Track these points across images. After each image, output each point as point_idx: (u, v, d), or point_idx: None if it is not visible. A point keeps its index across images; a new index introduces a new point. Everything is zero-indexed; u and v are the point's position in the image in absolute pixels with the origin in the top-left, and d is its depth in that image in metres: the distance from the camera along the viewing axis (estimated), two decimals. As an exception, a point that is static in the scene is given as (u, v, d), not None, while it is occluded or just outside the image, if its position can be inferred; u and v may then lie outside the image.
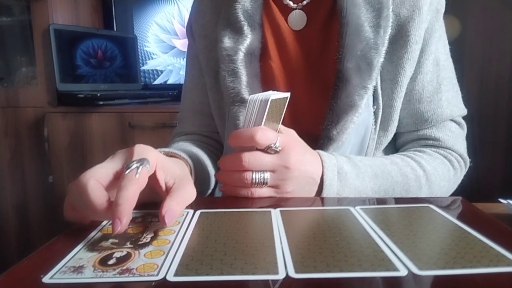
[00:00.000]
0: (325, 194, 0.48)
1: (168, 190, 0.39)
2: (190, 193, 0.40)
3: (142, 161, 0.37)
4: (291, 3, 0.60)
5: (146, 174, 0.37)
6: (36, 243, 1.60)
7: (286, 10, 0.61)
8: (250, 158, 0.44)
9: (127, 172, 0.35)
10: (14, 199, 1.61)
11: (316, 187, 0.49)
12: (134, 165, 0.36)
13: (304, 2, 0.60)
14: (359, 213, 0.39)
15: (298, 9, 0.60)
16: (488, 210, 0.45)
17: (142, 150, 0.39)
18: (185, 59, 0.78)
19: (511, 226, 0.36)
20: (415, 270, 0.27)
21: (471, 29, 1.59)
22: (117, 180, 0.37)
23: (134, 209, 0.34)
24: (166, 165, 0.41)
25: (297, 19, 0.60)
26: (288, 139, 0.47)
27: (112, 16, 1.80)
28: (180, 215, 0.39)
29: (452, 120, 0.63)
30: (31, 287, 0.27)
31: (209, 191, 0.67)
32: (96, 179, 0.36)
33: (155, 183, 0.40)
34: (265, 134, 0.44)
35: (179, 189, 0.39)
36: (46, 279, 0.27)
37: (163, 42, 1.77)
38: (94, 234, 0.35)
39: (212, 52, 0.64)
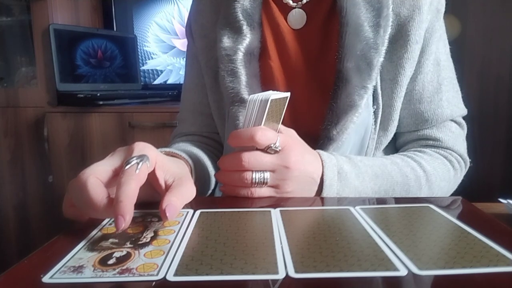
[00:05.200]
0: (325, 194, 0.48)
1: (167, 188, 0.39)
2: (190, 190, 0.40)
3: (142, 157, 0.37)
4: (290, 1, 0.60)
5: (146, 170, 0.37)
6: (36, 243, 1.60)
7: (285, 9, 0.61)
8: (250, 158, 0.44)
9: (126, 167, 0.35)
10: (14, 199, 1.61)
11: (316, 187, 0.49)
12: (134, 161, 0.36)
13: (304, 1, 0.60)
14: (359, 213, 0.39)
15: (298, 7, 0.60)
16: (488, 210, 0.45)
17: (142, 147, 0.39)
18: (185, 59, 0.78)
19: (511, 226, 0.36)
20: (415, 270, 0.27)
21: (471, 29, 1.59)
22: (117, 177, 0.37)
23: (134, 208, 0.34)
24: (165, 164, 0.40)
25: (297, 18, 0.60)
26: (288, 139, 0.47)
27: (112, 16, 1.80)
28: (180, 215, 0.39)
29: (452, 120, 0.63)
30: (31, 287, 0.27)
31: (209, 191, 0.67)
32: (96, 176, 0.36)
33: (154, 182, 0.40)
34: (265, 134, 0.44)
35: (178, 186, 0.39)
36: (46, 279, 0.27)
37: (163, 42, 1.77)
38: (94, 233, 0.35)
39: (212, 52, 0.64)
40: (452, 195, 0.62)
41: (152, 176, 0.39)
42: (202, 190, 0.63)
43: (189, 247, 0.32)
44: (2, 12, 1.67)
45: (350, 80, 0.54)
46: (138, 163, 0.36)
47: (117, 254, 0.31)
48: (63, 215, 0.38)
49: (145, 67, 1.80)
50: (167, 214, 0.34)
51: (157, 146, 0.55)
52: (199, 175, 0.59)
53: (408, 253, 0.30)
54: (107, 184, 0.37)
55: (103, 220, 0.38)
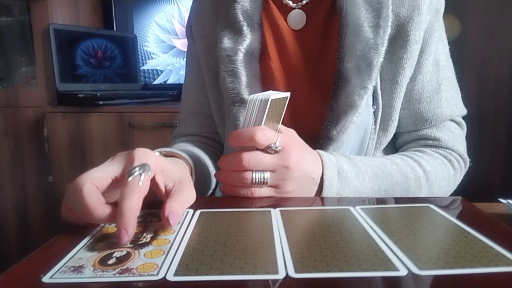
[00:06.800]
0: (325, 194, 0.48)
1: (167, 193, 0.39)
2: (190, 195, 0.40)
3: (143, 167, 0.36)
4: (290, 2, 0.60)
5: (148, 181, 0.36)
6: (36, 243, 1.59)
7: (285, 10, 0.61)
8: (250, 158, 0.44)
9: (130, 179, 0.35)
10: (14, 199, 1.61)
11: (316, 187, 0.49)
12: (137, 172, 0.35)
13: (304, 2, 0.60)
14: (359, 213, 0.39)
15: (298, 8, 0.60)
16: (488, 210, 0.45)
17: (142, 154, 0.38)
18: (185, 59, 0.78)
19: (511, 226, 0.36)
20: (415, 270, 0.27)
21: (471, 29, 1.59)
22: (116, 184, 0.37)
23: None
24: (165, 168, 0.40)
25: (297, 18, 0.60)
26: (288, 139, 0.47)
27: (112, 16, 1.80)
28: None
29: (452, 120, 0.63)
30: (31, 287, 0.27)
31: (210, 191, 0.67)
32: (92, 182, 0.35)
33: (154, 187, 0.40)
34: (265, 134, 0.44)
35: (179, 191, 0.39)
36: (46, 279, 0.27)
37: (163, 42, 1.77)
38: (94, 233, 0.35)
39: (212, 53, 0.64)
40: (452, 195, 0.62)
41: (152, 182, 0.39)
42: (202, 190, 0.63)
43: (189, 247, 0.32)
44: (2, 12, 1.67)
45: (350, 80, 0.54)
46: (140, 174, 0.35)
47: (117, 254, 0.31)
48: (62, 218, 0.38)
49: (145, 67, 1.80)
50: (171, 222, 0.34)
51: (157, 146, 0.56)
52: (200, 175, 0.59)
53: (408, 253, 0.30)
54: (105, 191, 0.36)
55: (98, 224, 0.38)
